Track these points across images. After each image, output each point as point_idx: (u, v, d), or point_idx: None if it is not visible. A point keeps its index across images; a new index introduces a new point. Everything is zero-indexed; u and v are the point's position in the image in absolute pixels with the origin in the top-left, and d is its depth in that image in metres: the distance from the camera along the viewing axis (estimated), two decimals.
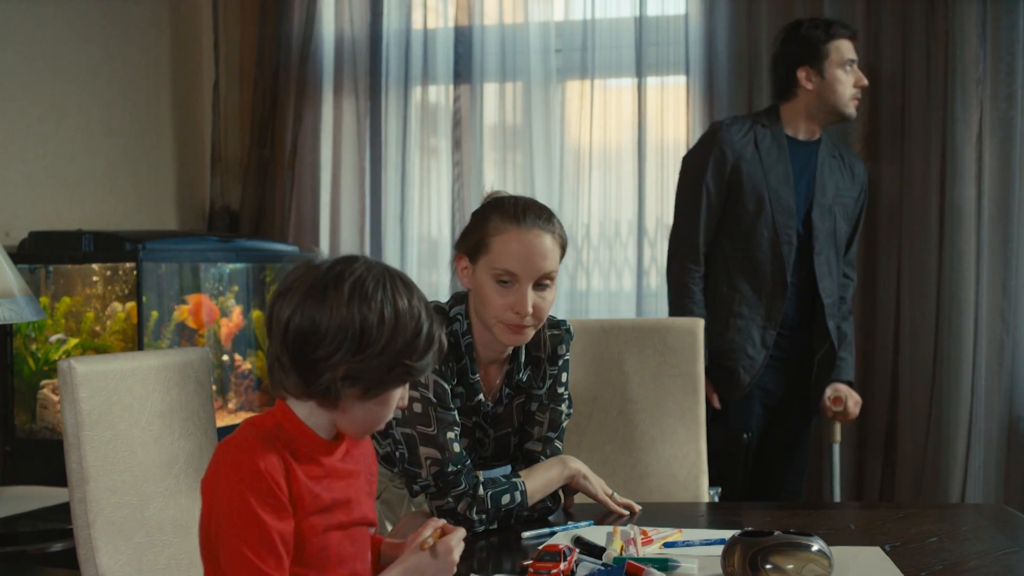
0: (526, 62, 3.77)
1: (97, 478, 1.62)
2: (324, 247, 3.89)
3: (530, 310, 1.87)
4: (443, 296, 3.74)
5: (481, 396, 1.98)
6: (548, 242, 1.89)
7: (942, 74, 3.37)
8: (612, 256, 3.74)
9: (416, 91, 3.86)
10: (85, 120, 3.52)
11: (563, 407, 2.08)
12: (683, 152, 3.23)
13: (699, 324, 2.73)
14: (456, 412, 1.93)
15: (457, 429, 1.92)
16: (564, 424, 2.08)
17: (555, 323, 2.08)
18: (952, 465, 3.29)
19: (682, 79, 3.67)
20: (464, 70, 3.82)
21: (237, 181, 4.01)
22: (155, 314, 3.20)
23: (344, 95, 3.90)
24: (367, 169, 3.88)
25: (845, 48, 2.94)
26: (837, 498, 3.17)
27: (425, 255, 3.86)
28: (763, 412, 3.00)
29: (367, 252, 3.87)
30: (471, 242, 1.93)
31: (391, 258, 3.82)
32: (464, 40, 3.82)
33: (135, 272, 3.12)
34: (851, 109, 2.98)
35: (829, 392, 3.01)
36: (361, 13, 3.88)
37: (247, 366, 3.51)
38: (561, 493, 2.06)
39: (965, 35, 3.33)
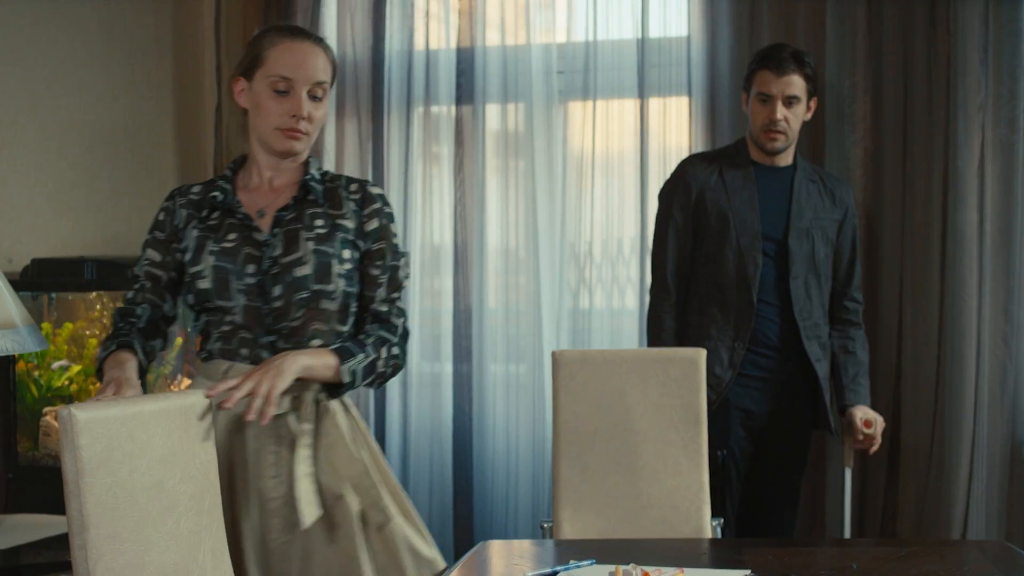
0: (528, 83, 3.77)
1: (98, 525, 1.62)
2: None
3: (305, 114, 2.03)
4: (445, 318, 3.77)
5: (244, 212, 2.09)
6: (321, 57, 2.07)
7: (944, 99, 3.37)
8: (615, 274, 3.75)
9: (418, 112, 3.86)
10: (87, 146, 3.53)
11: (401, 263, 2.15)
12: None
13: (701, 355, 2.74)
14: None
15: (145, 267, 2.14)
16: (405, 284, 2.17)
17: (360, 180, 2.17)
18: (955, 490, 3.29)
19: (684, 100, 3.68)
20: (466, 91, 3.82)
21: None
22: None
23: (347, 117, 3.90)
24: None
25: (764, 80, 2.96)
26: (847, 530, 3.10)
27: (428, 268, 3.85)
28: (747, 434, 3.01)
29: None
30: (247, 61, 2.10)
31: None
32: (466, 61, 3.82)
33: None
34: (764, 141, 3.00)
35: (859, 414, 3.00)
36: (363, 35, 3.88)
37: None
38: None
39: (967, 60, 3.33)
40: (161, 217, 2.14)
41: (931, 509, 3.33)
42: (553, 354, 2.74)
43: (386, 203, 2.14)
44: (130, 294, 2.15)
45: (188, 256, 2.08)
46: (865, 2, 3.46)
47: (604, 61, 3.74)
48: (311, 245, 2.04)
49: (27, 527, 2.77)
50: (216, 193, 2.10)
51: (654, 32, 3.69)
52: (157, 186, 3.82)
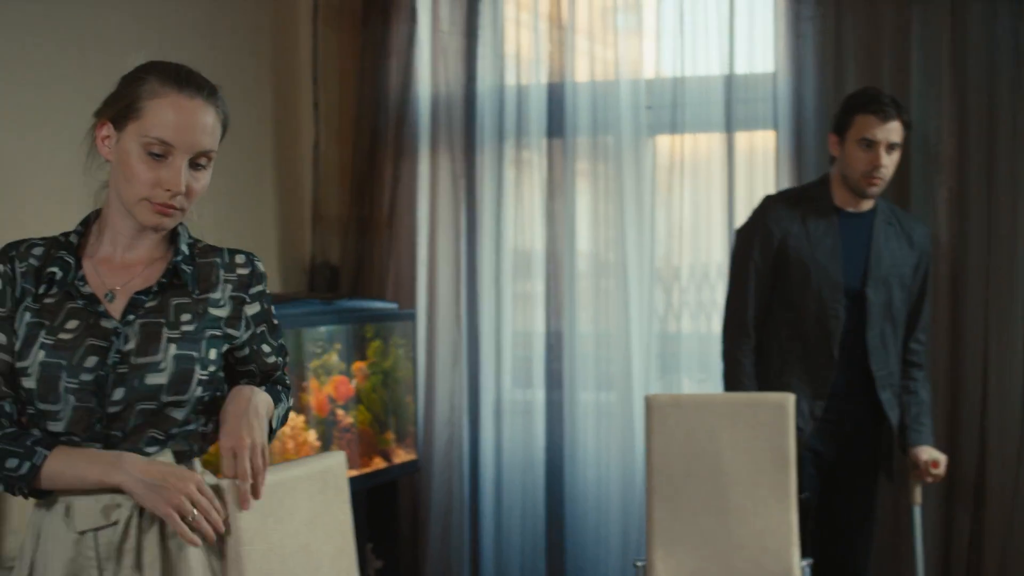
0: (617, 118, 3.87)
1: None
2: (421, 303, 4.02)
3: (183, 189, 1.68)
4: (537, 342, 3.91)
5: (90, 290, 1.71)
6: (211, 117, 1.73)
7: None
8: (700, 298, 3.83)
9: (510, 146, 3.97)
10: None
11: (283, 337, 1.89)
12: None
13: (789, 399, 2.84)
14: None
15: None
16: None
17: (246, 253, 1.86)
18: None
19: (771, 134, 3.75)
20: (556, 125, 3.93)
21: (337, 239, 4.15)
22: None
23: (440, 153, 4.02)
24: (463, 225, 4.00)
25: (867, 125, 2.93)
26: (920, 570, 3.12)
27: (520, 312, 3.98)
28: (816, 474, 3.04)
29: (463, 309, 3.98)
30: (119, 106, 1.70)
31: (487, 321, 3.93)
32: (556, 96, 3.93)
33: None
34: (863, 187, 2.97)
35: (925, 456, 3.03)
36: (456, 74, 4.01)
37: (349, 420, 3.67)
38: None
39: None
40: None
41: (1018, 545, 3.39)
42: (646, 398, 2.87)
43: (266, 282, 1.85)
44: None
45: (17, 345, 1.67)
46: (950, 42, 3.50)
47: (692, 96, 3.83)
48: (173, 349, 1.68)
49: None
50: (55, 269, 1.70)
51: (740, 68, 3.77)
52: (257, 220, 3.98)
